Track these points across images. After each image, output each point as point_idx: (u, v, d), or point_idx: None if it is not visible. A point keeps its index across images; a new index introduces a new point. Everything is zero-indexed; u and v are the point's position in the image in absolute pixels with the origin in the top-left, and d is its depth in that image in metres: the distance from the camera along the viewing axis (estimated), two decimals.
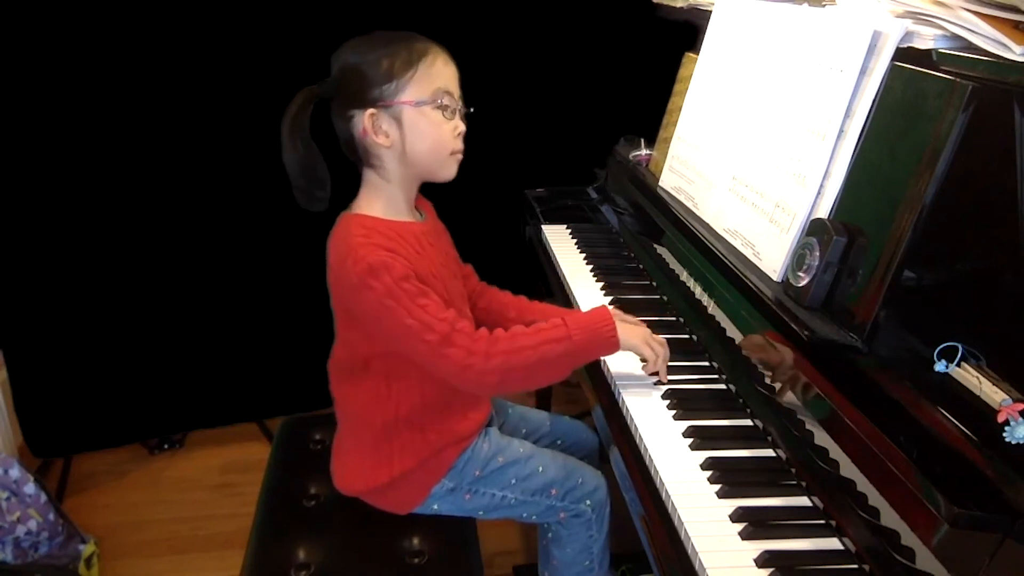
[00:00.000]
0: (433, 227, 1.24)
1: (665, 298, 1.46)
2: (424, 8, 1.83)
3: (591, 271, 1.60)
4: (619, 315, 1.25)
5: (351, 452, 1.24)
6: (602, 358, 1.25)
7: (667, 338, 1.32)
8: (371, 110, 1.07)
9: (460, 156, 1.16)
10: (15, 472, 1.71)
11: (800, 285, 1.03)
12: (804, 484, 0.96)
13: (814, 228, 1.04)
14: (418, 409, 1.17)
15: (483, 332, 1.10)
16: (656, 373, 1.20)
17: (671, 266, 1.41)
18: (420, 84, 1.08)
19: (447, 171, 1.16)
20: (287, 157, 1.07)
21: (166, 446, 2.21)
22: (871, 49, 1.01)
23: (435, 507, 1.24)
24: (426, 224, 1.21)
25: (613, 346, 1.14)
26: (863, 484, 0.82)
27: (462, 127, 1.14)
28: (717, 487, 0.97)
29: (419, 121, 1.09)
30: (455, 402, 1.20)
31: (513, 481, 1.25)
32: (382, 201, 1.14)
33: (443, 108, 1.10)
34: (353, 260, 1.04)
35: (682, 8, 1.65)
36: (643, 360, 1.21)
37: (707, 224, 1.34)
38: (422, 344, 1.06)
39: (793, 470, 0.99)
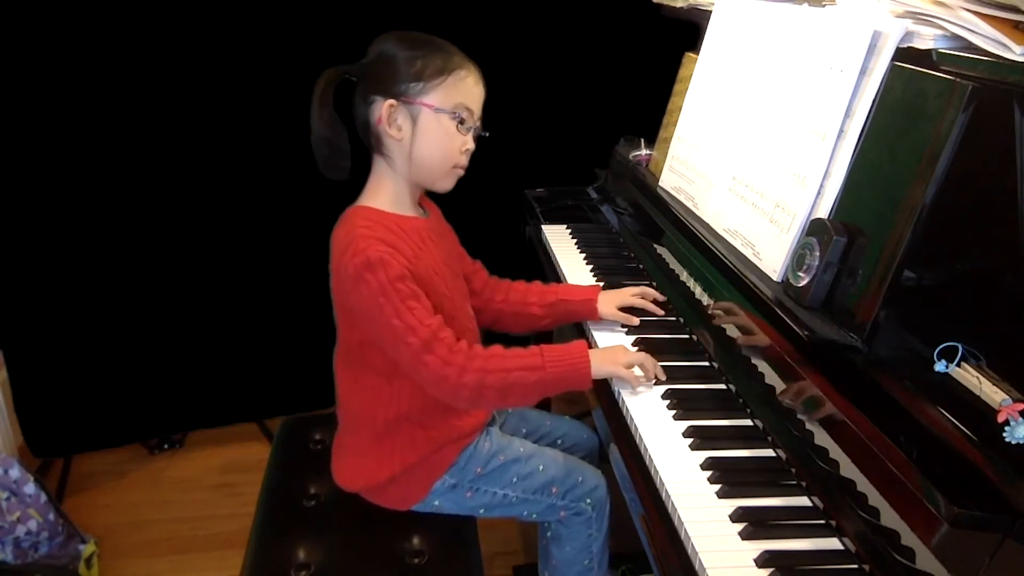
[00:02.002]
0: (437, 225, 1.25)
1: (665, 298, 1.46)
2: (426, 7, 1.83)
3: (591, 271, 1.60)
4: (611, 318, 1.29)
5: (352, 448, 1.24)
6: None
7: (667, 338, 1.33)
8: (391, 101, 1.09)
9: (461, 172, 1.18)
10: (15, 472, 1.71)
11: (800, 285, 1.03)
12: (804, 484, 0.96)
13: (814, 228, 1.04)
14: (419, 406, 1.18)
15: (462, 345, 1.10)
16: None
17: (671, 266, 1.41)
18: (445, 93, 1.11)
19: (445, 183, 1.18)
20: (314, 127, 1.10)
21: (166, 446, 2.21)
22: (871, 49, 1.01)
23: (436, 503, 1.24)
24: (429, 221, 1.22)
25: (586, 382, 1.15)
26: (863, 484, 0.82)
27: (471, 145, 1.16)
28: (717, 487, 0.97)
29: (433, 126, 1.11)
30: None
31: (514, 480, 1.25)
32: (388, 192, 1.16)
33: (459, 122, 1.12)
34: (353, 252, 1.06)
35: (682, 8, 1.65)
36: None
37: (707, 224, 1.34)
38: (403, 346, 1.07)
39: (793, 470, 0.99)
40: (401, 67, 1.09)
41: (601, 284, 1.44)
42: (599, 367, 1.15)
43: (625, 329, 1.35)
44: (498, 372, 1.10)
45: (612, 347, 1.22)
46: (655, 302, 1.40)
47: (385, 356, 1.14)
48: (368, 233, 1.08)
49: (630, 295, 1.38)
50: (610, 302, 1.37)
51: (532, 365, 1.12)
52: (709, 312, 1.22)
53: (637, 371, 1.18)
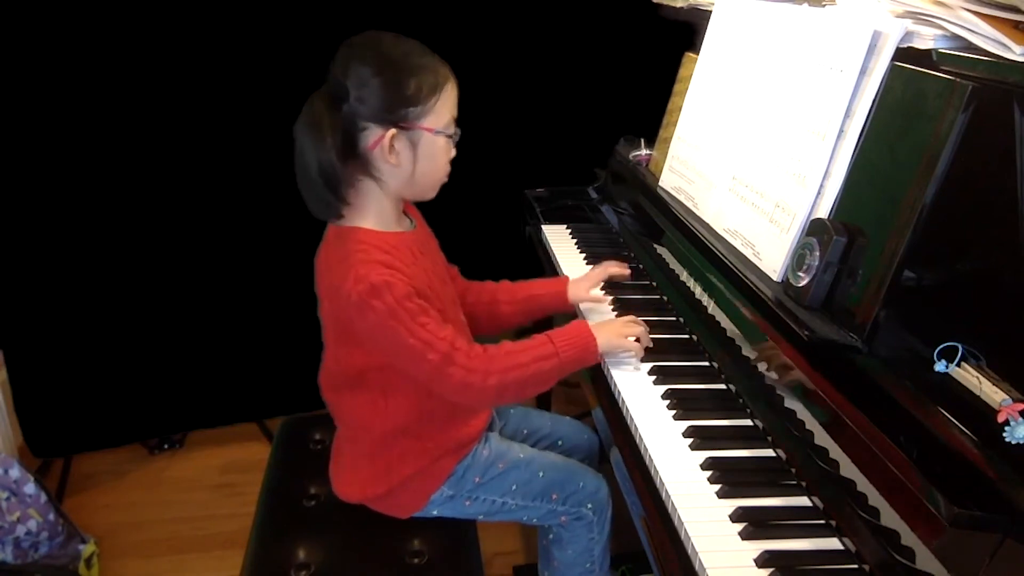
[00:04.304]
0: (422, 234, 1.23)
1: (665, 298, 1.46)
2: (425, 7, 1.83)
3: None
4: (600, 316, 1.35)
5: (350, 460, 1.24)
6: (605, 362, 1.26)
7: (667, 338, 1.33)
8: (393, 130, 1.05)
9: (446, 179, 1.17)
10: (15, 472, 1.71)
11: (800, 285, 1.03)
12: (804, 484, 0.96)
13: (814, 228, 1.04)
14: (416, 420, 1.17)
15: (478, 350, 1.11)
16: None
17: (671, 266, 1.41)
18: (440, 112, 1.08)
19: (432, 194, 1.17)
20: (315, 160, 1.02)
21: (166, 446, 2.21)
22: (871, 49, 1.01)
23: (435, 512, 1.24)
24: (417, 232, 1.20)
25: (595, 358, 1.20)
26: (863, 484, 0.82)
27: (454, 152, 1.15)
28: (717, 487, 0.97)
29: (432, 148, 1.09)
30: (456, 413, 1.20)
31: (514, 487, 1.24)
32: (374, 211, 1.12)
33: (450, 137, 1.11)
34: (355, 279, 1.03)
35: (682, 8, 1.65)
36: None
37: (707, 224, 1.34)
38: (424, 363, 1.06)
39: (793, 470, 0.99)
40: (393, 90, 1.03)
41: (568, 275, 1.47)
42: (604, 342, 1.20)
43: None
44: (517, 368, 1.12)
45: (607, 322, 1.27)
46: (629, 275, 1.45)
47: (382, 375, 1.13)
48: (365, 257, 1.05)
49: (595, 274, 1.42)
50: (580, 288, 1.40)
51: (546, 354, 1.14)
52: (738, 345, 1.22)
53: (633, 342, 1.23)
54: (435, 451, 1.20)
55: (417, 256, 1.14)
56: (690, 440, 1.06)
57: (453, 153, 1.15)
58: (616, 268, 1.44)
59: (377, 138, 1.05)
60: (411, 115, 1.05)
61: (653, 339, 1.31)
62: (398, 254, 1.09)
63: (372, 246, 1.07)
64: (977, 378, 0.83)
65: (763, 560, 0.85)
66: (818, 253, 1.00)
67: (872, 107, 1.01)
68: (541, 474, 1.25)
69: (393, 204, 1.14)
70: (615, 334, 1.22)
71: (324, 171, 1.02)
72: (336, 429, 1.27)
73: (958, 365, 0.85)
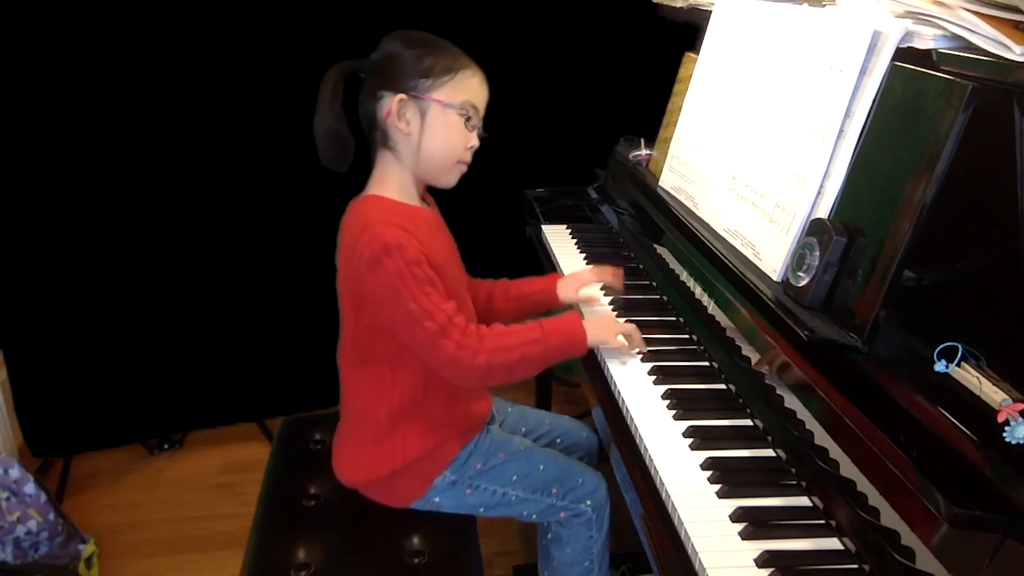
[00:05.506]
0: (439, 218, 1.27)
1: (665, 298, 1.46)
2: (426, 7, 1.83)
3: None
4: (594, 312, 1.39)
5: (354, 443, 1.25)
6: (605, 362, 1.27)
7: (667, 338, 1.33)
8: (401, 96, 1.11)
9: (465, 168, 1.20)
10: (15, 472, 1.71)
11: (800, 285, 1.03)
12: (804, 484, 0.96)
13: (814, 228, 1.04)
14: (420, 399, 1.19)
15: (472, 328, 1.14)
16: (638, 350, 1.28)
17: (671, 266, 1.41)
18: (453, 90, 1.13)
19: (449, 178, 1.20)
20: (319, 121, 1.11)
21: (166, 446, 2.22)
22: (871, 49, 1.01)
23: (436, 500, 1.25)
24: (435, 213, 1.24)
25: (582, 349, 1.22)
26: (863, 484, 0.82)
27: (476, 143, 1.18)
28: (717, 487, 0.97)
29: (441, 121, 1.13)
30: (460, 394, 1.22)
31: (514, 478, 1.25)
32: (395, 183, 1.17)
33: (466, 119, 1.15)
34: (370, 236, 1.07)
35: (682, 8, 1.65)
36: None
37: (707, 224, 1.34)
38: (420, 330, 1.09)
39: (793, 470, 0.99)
40: (410, 64, 1.11)
41: (561, 272, 1.50)
42: (593, 335, 1.22)
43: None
44: (505, 350, 1.14)
45: (602, 317, 1.31)
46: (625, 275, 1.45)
47: (392, 342, 1.15)
48: (383, 219, 1.10)
49: (589, 275, 1.43)
50: (569, 287, 1.42)
51: (534, 339, 1.17)
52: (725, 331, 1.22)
53: (623, 340, 1.25)
54: (439, 435, 1.21)
55: (434, 232, 1.19)
56: (690, 440, 1.06)
57: (475, 143, 1.18)
58: (611, 277, 1.43)
59: (389, 105, 1.11)
60: (422, 86, 1.12)
61: (653, 339, 1.31)
62: (415, 225, 1.13)
63: (390, 211, 1.13)
64: (977, 378, 0.83)
65: (763, 560, 0.85)
66: (818, 253, 1.00)
67: (872, 107, 1.01)
68: (541, 467, 1.27)
69: (414, 181, 1.19)
70: (605, 330, 1.25)
71: (318, 133, 1.11)
72: (339, 419, 1.27)
73: (958, 365, 0.85)
